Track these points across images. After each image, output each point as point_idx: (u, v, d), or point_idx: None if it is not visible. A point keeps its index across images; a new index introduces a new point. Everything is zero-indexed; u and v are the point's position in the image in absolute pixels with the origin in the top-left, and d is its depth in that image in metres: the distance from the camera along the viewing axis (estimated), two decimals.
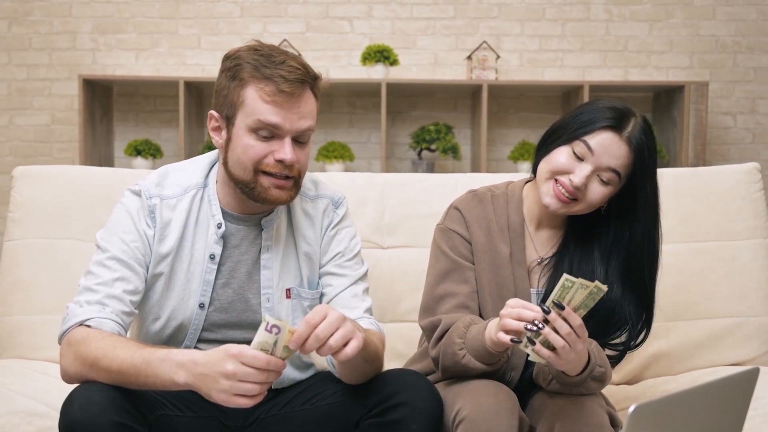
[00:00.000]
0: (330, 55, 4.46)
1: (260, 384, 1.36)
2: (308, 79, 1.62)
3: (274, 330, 1.34)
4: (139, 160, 4.24)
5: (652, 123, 4.42)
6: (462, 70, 4.43)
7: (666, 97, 4.36)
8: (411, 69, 4.46)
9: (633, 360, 2.23)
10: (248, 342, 1.38)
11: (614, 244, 1.74)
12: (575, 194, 1.69)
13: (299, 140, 1.65)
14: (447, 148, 4.20)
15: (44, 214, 2.21)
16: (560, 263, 1.78)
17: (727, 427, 1.21)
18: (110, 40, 4.44)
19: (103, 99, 4.37)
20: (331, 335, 1.39)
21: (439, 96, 4.53)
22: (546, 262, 1.80)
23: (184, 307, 1.70)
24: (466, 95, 4.53)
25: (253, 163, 1.62)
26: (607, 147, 1.67)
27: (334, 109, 4.51)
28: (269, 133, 1.61)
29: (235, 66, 1.63)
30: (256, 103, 1.60)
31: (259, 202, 1.67)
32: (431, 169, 4.27)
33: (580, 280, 1.43)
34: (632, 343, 1.76)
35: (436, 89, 4.49)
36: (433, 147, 4.28)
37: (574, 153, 1.70)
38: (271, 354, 1.35)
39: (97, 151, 4.26)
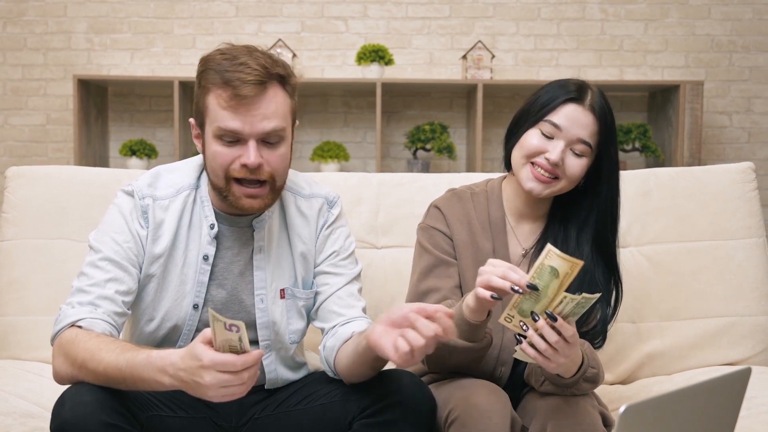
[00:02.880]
0: (325, 54, 4.46)
1: (245, 383, 1.34)
2: (267, 78, 1.56)
3: (234, 329, 1.30)
4: (134, 160, 4.23)
5: (647, 122, 4.45)
6: (457, 70, 4.43)
7: (661, 97, 4.35)
8: (406, 69, 4.46)
9: (627, 360, 2.23)
10: None
11: (588, 214, 1.77)
12: (555, 172, 1.72)
13: (268, 141, 1.61)
14: (442, 148, 4.19)
15: (38, 215, 2.20)
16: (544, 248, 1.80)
17: (718, 428, 1.21)
18: (105, 40, 4.43)
19: (98, 99, 4.36)
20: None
21: (434, 96, 4.53)
22: (531, 251, 1.82)
23: (178, 308, 1.70)
24: (461, 95, 4.52)
25: (223, 170, 1.61)
26: (574, 119, 1.71)
27: (329, 108, 4.51)
28: (232, 138, 1.59)
29: (202, 71, 1.61)
30: (216, 110, 1.58)
31: (235, 209, 1.67)
32: (426, 168, 4.27)
33: (570, 296, 1.43)
34: (608, 311, 1.77)
35: (432, 89, 4.48)
36: (428, 147, 4.28)
37: (543, 133, 1.73)
38: (242, 350, 1.33)
39: (92, 151, 4.25)
